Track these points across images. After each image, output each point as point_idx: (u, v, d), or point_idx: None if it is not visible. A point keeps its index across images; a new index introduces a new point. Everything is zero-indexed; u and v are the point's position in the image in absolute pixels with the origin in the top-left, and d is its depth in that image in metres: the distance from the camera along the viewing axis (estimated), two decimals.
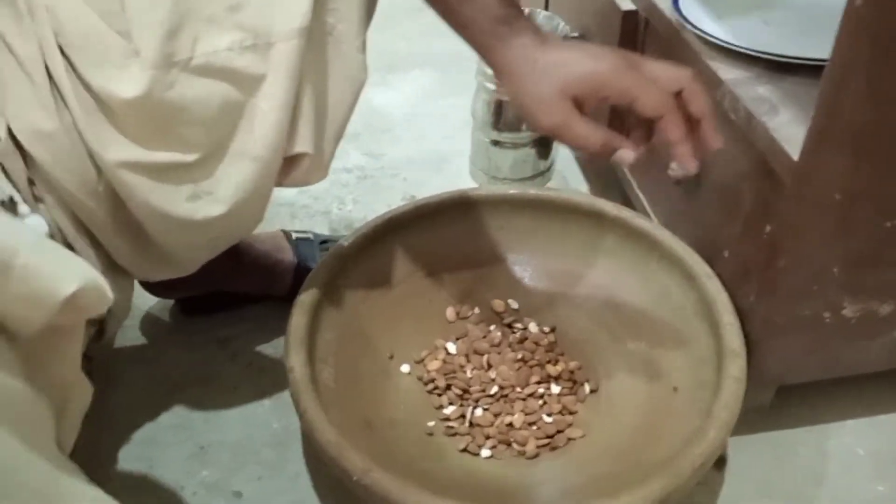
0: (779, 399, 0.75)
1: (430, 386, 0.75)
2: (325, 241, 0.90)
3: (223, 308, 0.88)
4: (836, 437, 0.76)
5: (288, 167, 0.61)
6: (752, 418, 0.74)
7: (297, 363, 0.65)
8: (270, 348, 0.85)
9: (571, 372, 0.76)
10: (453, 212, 0.83)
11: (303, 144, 0.60)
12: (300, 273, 0.84)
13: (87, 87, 0.52)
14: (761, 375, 0.69)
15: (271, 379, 0.81)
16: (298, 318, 0.69)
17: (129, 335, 0.87)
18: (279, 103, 0.56)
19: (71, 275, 0.40)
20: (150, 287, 0.84)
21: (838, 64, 0.52)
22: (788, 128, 0.60)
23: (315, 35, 0.57)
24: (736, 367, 0.64)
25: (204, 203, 0.58)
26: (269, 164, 0.59)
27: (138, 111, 0.53)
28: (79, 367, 0.48)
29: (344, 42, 0.60)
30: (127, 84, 0.52)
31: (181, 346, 0.86)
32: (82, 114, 0.52)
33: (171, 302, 0.90)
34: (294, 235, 0.90)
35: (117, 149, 0.53)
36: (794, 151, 0.57)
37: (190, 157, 0.55)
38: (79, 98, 0.52)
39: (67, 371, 0.46)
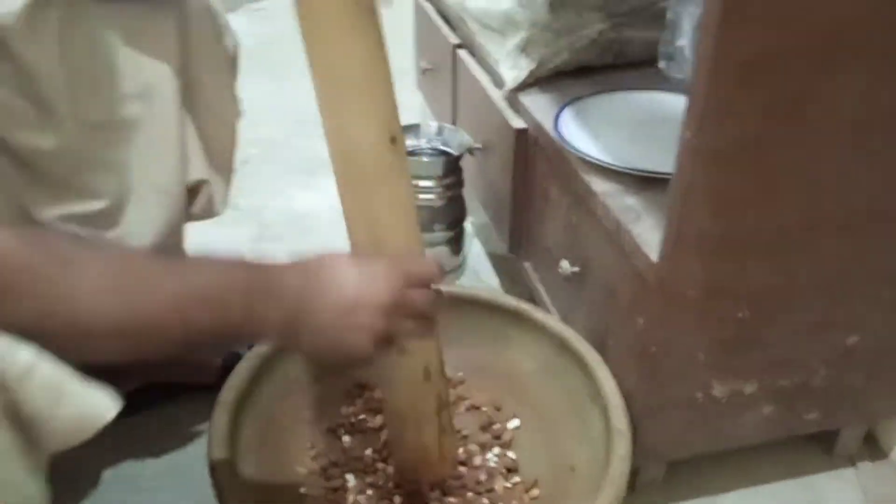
0: (670, 473, 0.82)
1: None
2: None
3: (149, 406, 0.91)
4: None
5: (192, 198, 0.76)
6: (648, 490, 0.81)
7: (218, 460, 0.69)
8: (195, 448, 0.88)
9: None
10: None
11: (197, 172, 0.75)
12: (228, 358, 0.90)
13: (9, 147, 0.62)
14: (648, 451, 0.76)
15: (196, 478, 0.83)
16: (220, 416, 0.73)
17: None
18: (170, 141, 0.71)
19: (110, 402, 0.45)
20: None
21: (679, 183, 0.61)
22: (650, 233, 0.69)
23: (189, 83, 0.74)
24: (622, 445, 0.71)
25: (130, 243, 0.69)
26: (175, 196, 0.72)
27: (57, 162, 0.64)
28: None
29: (211, 88, 0.77)
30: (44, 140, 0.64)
31: (105, 447, 0.87)
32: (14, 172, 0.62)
33: None
34: None
35: (50, 206, 0.64)
36: (654, 254, 0.66)
37: (100, 204, 0.67)
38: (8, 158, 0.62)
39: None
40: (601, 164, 0.76)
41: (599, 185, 0.76)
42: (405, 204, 0.63)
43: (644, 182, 0.76)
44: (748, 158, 0.60)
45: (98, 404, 0.45)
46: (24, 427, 0.43)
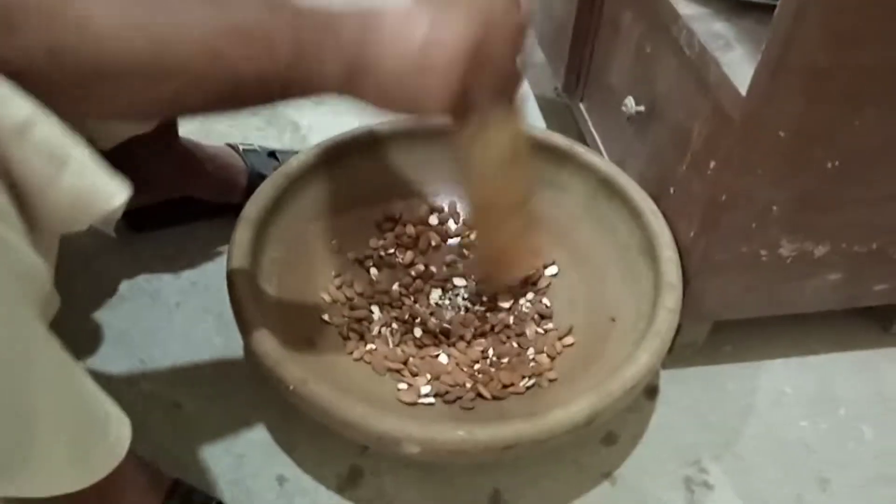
0: (714, 335, 0.77)
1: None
2: (272, 154, 0.90)
3: (172, 223, 0.87)
4: (766, 375, 0.79)
5: None
6: (687, 353, 0.77)
7: (239, 277, 0.65)
8: (216, 268, 0.85)
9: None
10: (409, 140, 0.82)
11: None
12: (253, 180, 0.84)
13: None
14: (698, 310, 0.71)
15: (215, 297, 0.81)
16: (243, 232, 0.68)
17: (73, 248, 0.85)
18: None
19: (119, 188, 0.40)
20: None
21: (793, 1, 0.52)
22: (740, 64, 0.60)
23: None
24: (671, 298, 0.65)
25: None
26: None
27: None
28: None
29: None
30: None
31: (126, 261, 0.84)
32: None
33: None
34: (241, 147, 0.89)
35: None
36: (743, 87, 0.57)
37: None
38: None
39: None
40: None
41: (685, 7, 0.66)
42: None
43: (737, 7, 0.65)
44: None
45: (106, 184, 0.39)
46: (18, 193, 0.37)
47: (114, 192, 0.40)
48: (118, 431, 0.49)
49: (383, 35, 0.46)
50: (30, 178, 0.37)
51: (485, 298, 0.76)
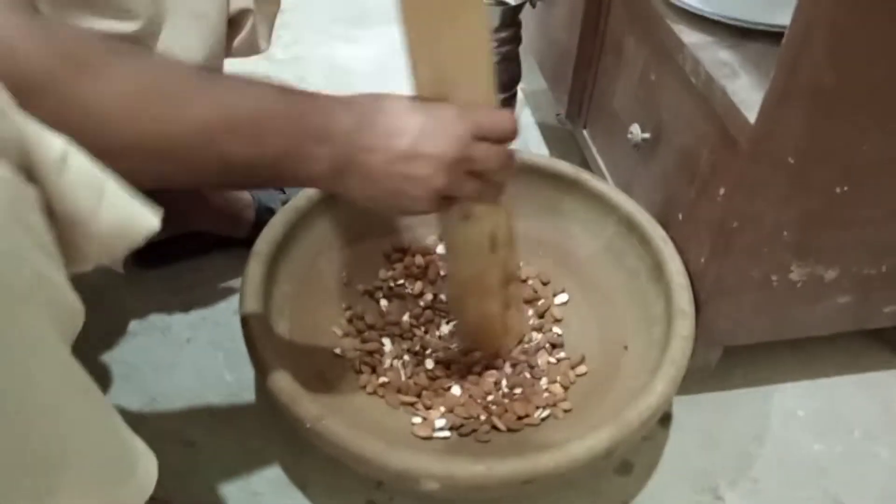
0: (724, 360, 0.77)
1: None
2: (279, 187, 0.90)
3: (180, 258, 0.87)
4: (778, 398, 0.78)
5: (234, 31, 0.67)
6: (698, 378, 0.77)
7: (252, 312, 0.65)
8: (226, 302, 0.85)
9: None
10: None
11: (241, 0, 0.66)
12: (260, 214, 0.85)
13: None
14: (709, 335, 0.71)
15: (226, 332, 0.81)
16: (255, 267, 0.68)
17: (82, 284, 0.85)
18: None
19: (150, 212, 0.40)
20: None
21: (800, 24, 0.52)
22: (747, 91, 0.60)
23: None
24: (684, 326, 0.65)
25: None
26: (214, 24, 0.63)
27: None
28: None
29: None
30: None
31: (135, 296, 0.84)
32: None
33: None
34: None
35: (80, 19, 0.54)
36: (752, 114, 0.58)
37: (133, 26, 0.57)
38: None
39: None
40: (693, 10, 0.67)
41: (689, 35, 0.67)
42: (480, 42, 0.53)
43: (742, 35, 0.66)
44: None
45: (139, 210, 0.40)
46: (60, 226, 0.38)
47: (147, 217, 0.40)
48: (146, 467, 0.49)
49: (375, 134, 0.48)
50: (73, 210, 0.38)
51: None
